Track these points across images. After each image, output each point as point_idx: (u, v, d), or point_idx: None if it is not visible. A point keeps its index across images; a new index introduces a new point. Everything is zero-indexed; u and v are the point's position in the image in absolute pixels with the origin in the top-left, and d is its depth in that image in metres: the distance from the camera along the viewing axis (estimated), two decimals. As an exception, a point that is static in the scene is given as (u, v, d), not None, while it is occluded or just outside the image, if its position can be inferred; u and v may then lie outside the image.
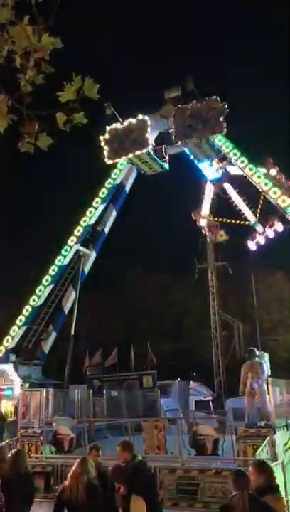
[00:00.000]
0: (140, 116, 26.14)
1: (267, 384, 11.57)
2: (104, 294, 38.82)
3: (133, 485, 5.10)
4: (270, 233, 29.53)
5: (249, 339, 32.22)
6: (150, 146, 25.88)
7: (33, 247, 39.42)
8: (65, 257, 27.19)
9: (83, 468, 5.70)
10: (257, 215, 30.21)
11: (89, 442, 12.09)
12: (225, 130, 24.96)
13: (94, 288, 34.41)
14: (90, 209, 28.01)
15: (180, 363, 33.75)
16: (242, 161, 25.78)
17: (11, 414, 20.07)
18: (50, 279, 26.84)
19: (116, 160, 27.16)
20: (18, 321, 26.04)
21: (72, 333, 25.36)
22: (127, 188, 29.63)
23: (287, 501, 7.07)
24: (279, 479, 6.33)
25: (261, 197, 27.73)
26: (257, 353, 12.46)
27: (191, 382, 28.44)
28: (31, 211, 48.96)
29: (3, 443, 11.72)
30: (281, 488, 5.61)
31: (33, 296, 26.50)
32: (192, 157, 28.97)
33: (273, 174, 26.98)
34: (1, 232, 38.17)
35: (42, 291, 26.63)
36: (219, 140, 25.92)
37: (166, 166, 27.56)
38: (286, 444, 11.70)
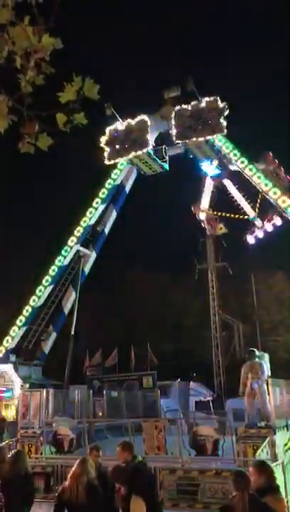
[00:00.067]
0: (140, 117, 26.16)
1: (267, 384, 11.58)
2: (104, 294, 38.84)
3: (133, 485, 5.10)
4: (269, 227, 29.69)
5: (249, 340, 32.23)
6: (150, 147, 25.90)
7: (33, 247, 39.46)
8: (65, 257, 27.20)
9: (83, 468, 5.70)
10: (256, 210, 30.29)
11: (89, 443, 12.09)
12: (225, 130, 24.98)
13: (94, 288, 34.44)
14: (90, 209, 28.02)
15: (180, 364, 33.75)
16: (242, 162, 25.79)
17: (16, 413, 20.04)
18: (50, 279, 26.85)
19: (117, 160, 27.18)
20: (18, 322, 26.05)
21: (72, 333, 25.35)
22: (127, 188, 29.65)
23: (287, 502, 7.07)
24: (279, 480, 6.32)
25: (260, 193, 27.79)
26: (257, 353, 12.46)
27: (191, 382, 28.45)
28: (31, 211, 48.99)
29: (3, 443, 11.72)
30: (281, 489, 5.60)
31: (33, 297, 26.51)
32: (191, 156, 29.00)
33: (271, 169, 27.11)
34: (1, 233, 38.15)
35: (42, 292, 26.64)
36: (220, 140, 25.93)
37: (166, 166, 27.58)
38: (286, 444, 11.70)
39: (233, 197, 31.58)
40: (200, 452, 11.54)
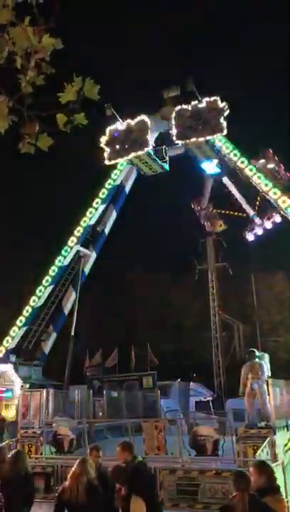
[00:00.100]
0: (140, 117, 26.17)
1: (267, 385, 11.58)
2: (104, 294, 38.84)
3: (133, 486, 5.11)
4: (268, 225, 29.81)
5: (249, 340, 32.25)
6: (150, 147, 25.91)
7: (33, 247, 39.39)
8: (65, 257, 27.19)
9: (83, 468, 5.71)
10: (256, 208, 30.36)
11: (89, 443, 12.09)
12: (225, 131, 24.99)
13: (94, 288, 34.42)
14: (90, 209, 28.02)
15: (181, 364, 33.76)
16: (242, 162, 25.80)
17: (16, 413, 20.04)
18: (50, 279, 26.84)
19: (117, 160, 27.19)
20: (18, 322, 26.04)
21: (72, 333, 25.34)
22: (127, 188, 29.65)
23: (287, 502, 7.06)
24: (279, 480, 6.32)
25: (260, 193, 27.81)
26: (257, 353, 12.45)
27: (191, 382, 28.47)
28: (31, 211, 48.95)
29: (3, 443, 11.72)
30: (282, 489, 5.60)
31: (33, 297, 26.50)
32: (192, 156, 29.01)
33: (271, 167, 27.13)
34: (1, 233, 38.12)
35: (42, 292, 26.64)
36: (220, 141, 25.93)
37: (166, 166, 27.59)
38: (286, 444, 11.70)
39: (233, 195, 31.64)
40: (200, 452, 11.53)
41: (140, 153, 26.01)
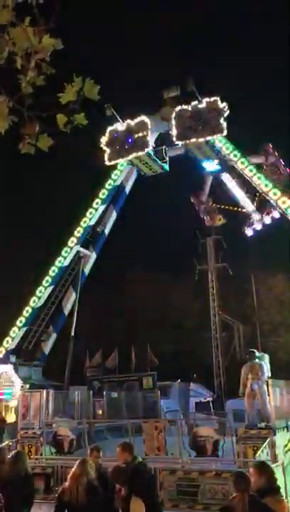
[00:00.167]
0: (140, 118, 26.18)
1: (267, 385, 11.57)
2: (104, 294, 38.83)
3: (133, 486, 5.10)
4: (267, 220, 29.94)
5: (249, 340, 32.25)
6: (150, 147, 25.91)
7: (33, 247, 39.38)
8: (65, 258, 27.19)
9: (83, 469, 5.71)
10: (255, 204, 30.43)
11: (89, 443, 12.09)
12: (225, 131, 24.99)
13: (94, 288, 34.42)
14: (90, 210, 28.02)
15: (180, 364, 33.74)
16: (242, 163, 25.79)
17: (15, 415, 20.03)
18: (50, 280, 26.84)
19: (117, 161, 27.20)
20: (18, 322, 26.03)
21: (72, 334, 25.34)
22: (127, 189, 29.65)
23: (287, 503, 7.05)
24: (279, 481, 6.31)
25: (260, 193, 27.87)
26: (257, 354, 12.45)
27: (191, 383, 28.46)
28: (31, 211, 48.94)
29: (3, 444, 11.72)
30: (282, 490, 5.59)
31: (33, 297, 26.49)
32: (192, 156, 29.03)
33: (271, 161, 27.21)
34: (1, 233, 38.12)
35: (42, 293, 26.63)
36: (220, 141, 25.93)
37: (166, 166, 27.59)
38: (286, 445, 11.69)
39: (232, 191, 31.71)
40: (200, 453, 11.53)
41: (140, 153, 26.02)
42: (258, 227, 30.80)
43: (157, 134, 26.89)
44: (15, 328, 25.91)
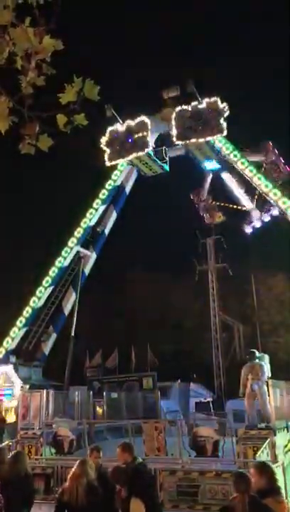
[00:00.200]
0: (140, 118, 26.19)
1: (267, 386, 11.57)
2: (104, 294, 38.83)
3: (133, 487, 5.10)
4: (266, 217, 30.01)
5: (249, 341, 32.23)
6: (150, 148, 25.93)
7: (33, 247, 39.38)
8: (65, 258, 27.19)
9: (82, 470, 5.70)
10: (254, 202, 30.50)
11: (89, 444, 12.09)
12: (225, 132, 24.99)
13: (94, 288, 34.42)
14: (90, 210, 28.03)
15: (181, 365, 33.72)
16: (243, 163, 25.80)
17: (16, 416, 20.03)
18: (50, 280, 26.84)
19: (117, 161, 27.20)
20: (18, 323, 26.04)
21: (72, 334, 25.34)
22: (127, 189, 29.66)
23: (288, 504, 7.05)
24: (279, 481, 6.31)
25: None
26: (257, 354, 12.44)
27: (191, 383, 28.46)
28: (31, 212, 48.94)
29: (3, 444, 11.71)
30: (282, 491, 5.58)
31: (34, 298, 26.50)
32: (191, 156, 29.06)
33: (271, 159, 27.24)
34: (1, 233, 38.12)
35: (42, 293, 26.63)
36: (220, 141, 25.94)
37: (166, 167, 27.62)
38: (286, 445, 11.69)
39: (232, 190, 31.76)
40: (200, 453, 11.52)
41: (140, 154, 26.03)
42: (257, 224, 30.90)
43: (157, 134, 26.90)
44: (15, 329, 25.91)
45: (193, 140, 25.58)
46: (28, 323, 26.26)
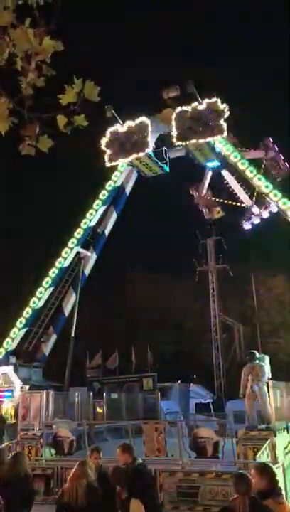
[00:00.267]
0: (140, 119, 26.20)
1: (268, 386, 11.55)
2: (104, 295, 38.84)
3: (133, 487, 5.09)
4: (265, 214, 30.05)
5: (249, 342, 32.23)
6: (150, 149, 25.93)
7: (33, 248, 39.40)
8: (65, 259, 27.18)
9: (82, 471, 5.70)
10: (253, 199, 30.54)
11: (89, 445, 12.07)
12: (225, 132, 24.99)
13: (94, 289, 34.43)
14: (91, 211, 28.02)
15: (181, 366, 33.72)
16: (243, 164, 25.80)
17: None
18: (50, 281, 26.83)
19: (117, 162, 27.20)
20: (18, 323, 26.02)
21: (73, 335, 25.33)
22: (127, 190, 29.65)
23: (288, 505, 7.03)
24: (280, 482, 6.30)
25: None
26: (258, 355, 12.42)
27: (191, 384, 28.46)
28: (31, 212, 48.96)
29: (3, 445, 11.71)
30: (282, 492, 5.57)
31: (34, 298, 26.49)
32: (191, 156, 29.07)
33: (271, 155, 27.29)
34: (1, 233, 38.14)
35: (42, 293, 26.62)
36: (220, 142, 25.94)
37: (166, 167, 27.61)
38: (286, 447, 11.67)
39: (231, 187, 31.79)
40: (200, 454, 11.50)
41: (140, 154, 26.02)
42: (256, 221, 30.96)
43: (157, 135, 26.90)
44: (15, 329, 25.90)
45: (193, 141, 25.58)
46: (28, 323, 26.25)
